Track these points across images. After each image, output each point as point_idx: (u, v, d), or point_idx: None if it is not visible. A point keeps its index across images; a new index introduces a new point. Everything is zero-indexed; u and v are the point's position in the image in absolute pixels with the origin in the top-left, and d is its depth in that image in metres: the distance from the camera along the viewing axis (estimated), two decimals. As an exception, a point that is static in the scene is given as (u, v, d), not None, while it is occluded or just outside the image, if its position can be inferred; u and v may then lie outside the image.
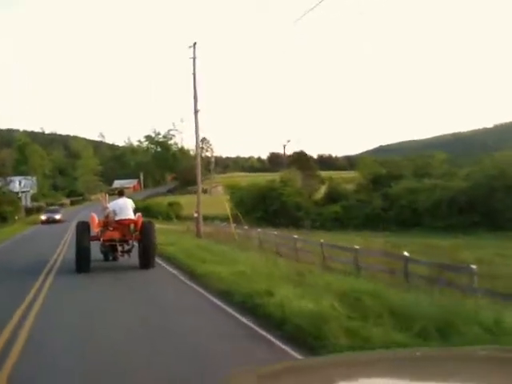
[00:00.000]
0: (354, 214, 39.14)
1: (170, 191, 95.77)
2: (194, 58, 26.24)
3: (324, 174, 65.80)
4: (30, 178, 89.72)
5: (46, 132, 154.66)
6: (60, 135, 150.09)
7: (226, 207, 36.77)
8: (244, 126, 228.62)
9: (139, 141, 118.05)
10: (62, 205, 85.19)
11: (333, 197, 45.75)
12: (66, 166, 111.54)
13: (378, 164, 50.68)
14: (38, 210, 71.67)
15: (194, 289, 10.80)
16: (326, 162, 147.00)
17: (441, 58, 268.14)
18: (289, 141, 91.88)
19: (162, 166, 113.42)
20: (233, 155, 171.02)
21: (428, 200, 36.52)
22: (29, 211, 66.12)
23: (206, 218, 52.91)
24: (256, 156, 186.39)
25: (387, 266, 13.59)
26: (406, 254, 12.76)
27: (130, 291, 11.09)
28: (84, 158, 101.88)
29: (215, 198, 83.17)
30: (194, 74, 26.40)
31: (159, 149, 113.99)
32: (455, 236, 30.72)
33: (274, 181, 46.24)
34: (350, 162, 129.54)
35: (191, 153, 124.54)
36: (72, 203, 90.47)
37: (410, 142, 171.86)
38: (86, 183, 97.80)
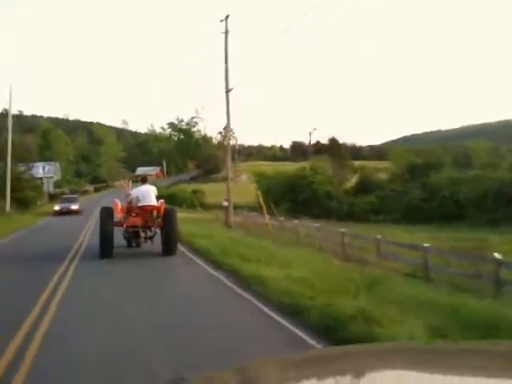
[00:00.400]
0: (391, 205, 36.46)
1: (193, 179, 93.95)
2: (227, 32, 23.85)
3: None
4: (53, 163, 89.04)
5: (70, 119, 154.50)
6: (84, 122, 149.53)
7: (255, 196, 34.59)
8: (266, 115, 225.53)
9: (162, 128, 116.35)
10: (85, 191, 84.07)
11: (365, 187, 43.15)
12: (89, 152, 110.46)
13: (411, 153, 47.86)
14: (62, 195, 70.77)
15: (248, 300, 8.31)
16: (350, 152, 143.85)
17: (463, 46, 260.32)
18: (315, 129, 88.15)
19: (185, 154, 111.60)
20: (255, 144, 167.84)
21: (472, 191, 33.73)
22: (52, 197, 64.93)
23: (234, 207, 50.98)
24: (278, 145, 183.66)
25: (466, 269, 11.17)
26: (496, 255, 10.29)
27: (169, 296, 8.99)
28: (107, 145, 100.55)
29: (241, 187, 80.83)
30: (226, 49, 24.05)
31: (182, 136, 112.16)
32: (503, 231, 28.12)
33: (303, 169, 43.72)
34: (374, 152, 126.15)
35: (213, 141, 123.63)
36: (96, 190, 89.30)
37: (434, 132, 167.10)
38: (109, 170, 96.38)
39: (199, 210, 39.14)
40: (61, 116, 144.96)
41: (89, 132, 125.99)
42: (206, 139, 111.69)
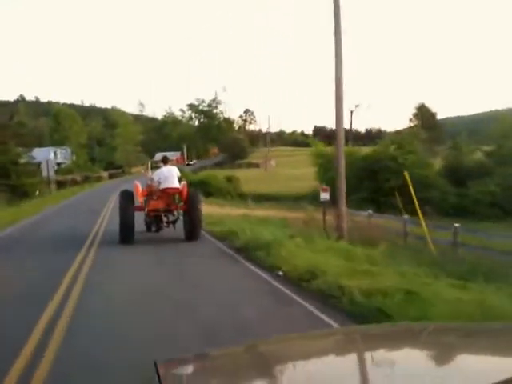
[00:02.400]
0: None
1: (218, 164, 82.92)
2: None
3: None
4: (64, 148, 78.56)
5: (86, 104, 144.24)
6: (99, 108, 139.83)
7: (289, 184, 23.34)
8: (286, 100, 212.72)
9: (181, 110, 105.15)
10: (99, 178, 73.39)
11: (454, 171, 31.66)
12: (104, 136, 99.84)
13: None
14: (74, 183, 60.16)
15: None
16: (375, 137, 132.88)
17: None
18: (357, 105, 74.99)
19: (206, 138, 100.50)
20: (275, 129, 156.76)
21: None
22: (61, 184, 54.30)
23: (295, 198, 39.75)
24: (299, 131, 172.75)
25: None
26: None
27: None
28: (123, 126, 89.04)
29: (271, 173, 69.98)
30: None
31: (203, 118, 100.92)
32: None
33: (385, 145, 32.03)
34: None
35: (234, 124, 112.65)
36: (110, 176, 78.55)
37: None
38: (125, 154, 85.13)
39: (250, 204, 27.93)
40: (77, 102, 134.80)
41: (104, 117, 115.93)
42: (229, 121, 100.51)
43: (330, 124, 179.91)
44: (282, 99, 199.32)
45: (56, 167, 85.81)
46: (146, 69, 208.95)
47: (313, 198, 38.76)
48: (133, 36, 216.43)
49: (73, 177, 62.63)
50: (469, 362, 1.44)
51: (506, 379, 1.08)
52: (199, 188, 37.80)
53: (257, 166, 79.19)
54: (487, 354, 1.51)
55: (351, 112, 74.00)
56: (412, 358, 1.49)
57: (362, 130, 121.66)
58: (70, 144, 76.70)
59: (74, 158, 77.91)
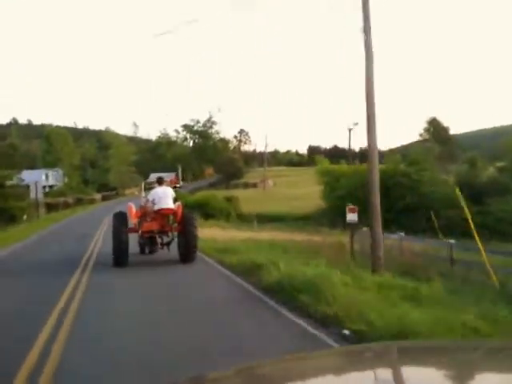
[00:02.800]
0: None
1: (213, 185, 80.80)
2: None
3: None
4: (56, 170, 76.15)
5: (79, 127, 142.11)
6: (93, 130, 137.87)
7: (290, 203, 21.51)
8: (279, 120, 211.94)
9: (176, 131, 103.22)
10: (91, 200, 70.96)
11: (470, 188, 29.60)
12: (97, 158, 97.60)
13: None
14: (66, 206, 57.63)
15: None
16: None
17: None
18: (356, 123, 72.65)
19: (201, 158, 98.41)
20: (270, 149, 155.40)
21: None
22: (52, 207, 51.76)
23: (298, 218, 37.28)
24: (293, 150, 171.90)
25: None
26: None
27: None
28: (116, 147, 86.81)
29: (270, 193, 67.86)
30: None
31: (198, 139, 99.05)
32: None
33: (396, 163, 29.97)
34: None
35: (229, 145, 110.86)
36: (104, 198, 76.16)
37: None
38: (119, 175, 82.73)
39: (255, 227, 25.77)
40: (70, 125, 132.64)
41: (98, 139, 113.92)
42: (224, 141, 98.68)
43: (325, 143, 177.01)
44: (276, 119, 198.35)
45: (48, 189, 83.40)
46: (140, 90, 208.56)
47: (318, 217, 36.79)
48: (126, 58, 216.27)
49: (65, 199, 60.15)
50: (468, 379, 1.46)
51: None
52: (198, 209, 35.83)
53: (254, 185, 77.15)
54: (487, 371, 1.53)
55: (349, 130, 72.04)
56: (410, 378, 1.49)
57: (357, 148, 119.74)
58: (62, 166, 74.37)
59: (67, 179, 75.53)
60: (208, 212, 35.38)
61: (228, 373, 1.74)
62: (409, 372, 1.54)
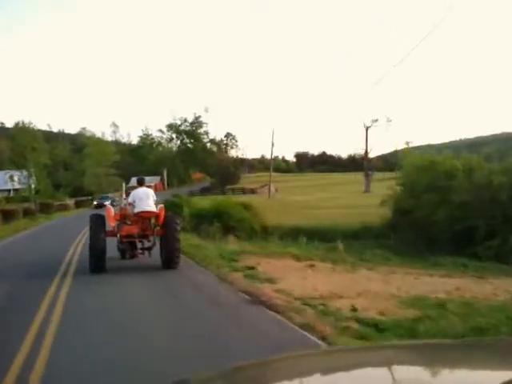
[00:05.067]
0: None
1: (206, 190, 68.80)
2: None
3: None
4: (23, 172, 62.87)
5: (54, 130, 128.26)
6: (68, 134, 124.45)
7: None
8: (266, 127, 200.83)
9: (161, 130, 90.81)
10: (62, 206, 58.15)
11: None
12: (72, 160, 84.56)
13: None
14: (27, 214, 44.82)
15: None
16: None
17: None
18: (375, 120, 60.74)
19: (188, 161, 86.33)
20: (256, 156, 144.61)
21: None
22: (7, 215, 38.99)
23: (357, 235, 25.36)
24: (280, 157, 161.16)
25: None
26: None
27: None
28: (93, 144, 73.73)
29: (277, 201, 56.38)
30: None
31: (186, 139, 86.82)
32: None
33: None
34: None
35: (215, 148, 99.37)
36: (77, 205, 63.31)
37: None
38: (96, 178, 69.62)
39: (341, 250, 13.97)
40: (43, 128, 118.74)
41: (73, 142, 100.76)
42: (216, 143, 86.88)
43: (313, 150, 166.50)
44: (263, 126, 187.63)
45: (12, 194, 69.34)
46: (119, 89, 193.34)
47: (396, 234, 25.28)
48: (102, 58, 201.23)
49: (27, 206, 47.40)
50: (463, 376, 1.44)
51: None
52: (214, 220, 24.16)
53: (252, 191, 65.46)
54: (483, 367, 1.50)
55: (366, 129, 60.75)
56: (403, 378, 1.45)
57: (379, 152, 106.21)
58: (29, 167, 61.11)
59: (34, 182, 62.19)
60: (229, 224, 23.77)
61: (216, 374, 1.71)
62: (402, 372, 1.52)
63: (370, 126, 59.75)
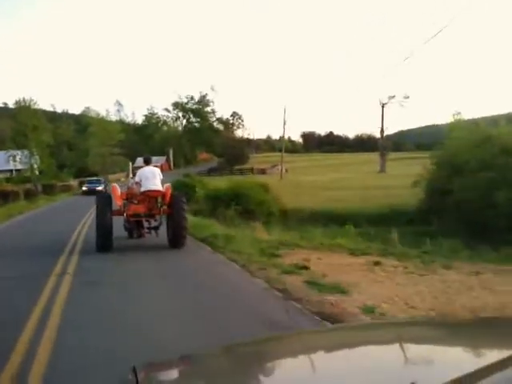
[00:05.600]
0: None
1: (213, 171, 66.26)
2: None
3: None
4: (26, 152, 60.19)
5: (58, 110, 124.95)
6: (72, 114, 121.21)
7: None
8: (271, 107, 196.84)
9: (166, 109, 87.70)
10: (65, 187, 55.73)
11: None
12: (76, 141, 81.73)
13: None
14: (28, 195, 42.33)
15: None
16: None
17: None
18: (392, 96, 57.51)
19: (195, 141, 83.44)
20: (261, 136, 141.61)
21: None
22: (6, 197, 36.62)
23: (384, 218, 22.67)
24: (286, 137, 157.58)
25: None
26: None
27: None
28: (97, 123, 70.77)
29: (294, 180, 53.70)
30: None
31: (193, 118, 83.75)
32: None
33: None
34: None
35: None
36: (81, 185, 60.87)
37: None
38: (101, 158, 66.87)
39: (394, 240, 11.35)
40: (48, 108, 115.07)
41: (77, 121, 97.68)
42: (223, 122, 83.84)
43: (320, 129, 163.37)
44: (268, 105, 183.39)
45: (15, 174, 67.08)
46: (123, 69, 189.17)
47: (403, 217, 23.09)
48: (106, 37, 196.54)
49: (28, 187, 44.97)
50: (450, 353, 1.43)
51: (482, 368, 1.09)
52: (231, 203, 21.70)
53: (262, 172, 62.87)
54: (468, 345, 1.50)
55: (382, 106, 57.62)
56: (403, 352, 1.47)
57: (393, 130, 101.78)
58: (31, 146, 58.44)
59: (36, 162, 59.60)
60: (249, 208, 21.31)
61: (217, 350, 1.67)
62: (411, 348, 1.50)
63: (386, 103, 56.53)
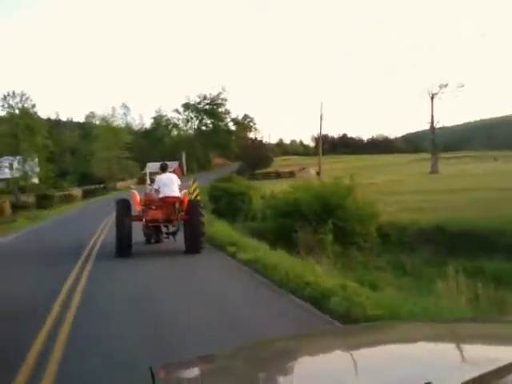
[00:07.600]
0: None
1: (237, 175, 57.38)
2: None
3: None
4: (21, 158, 51.67)
5: (62, 119, 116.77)
6: (77, 122, 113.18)
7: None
8: (283, 110, 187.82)
9: (177, 110, 79.09)
10: (66, 197, 46.94)
11: None
12: (79, 146, 73.33)
13: None
14: (25, 208, 33.91)
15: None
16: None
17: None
18: (445, 85, 48.32)
19: (210, 144, 74.82)
20: (275, 140, 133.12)
21: None
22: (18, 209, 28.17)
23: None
24: (298, 141, 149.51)
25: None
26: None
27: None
28: (102, 127, 61.92)
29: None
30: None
31: (206, 119, 75.07)
32: None
33: None
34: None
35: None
36: (85, 195, 52.03)
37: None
38: (106, 163, 57.92)
39: None
40: (52, 116, 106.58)
41: (82, 128, 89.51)
42: (240, 123, 75.22)
43: (332, 132, 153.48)
44: (279, 109, 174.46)
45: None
46: (129, 74, 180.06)
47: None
48: (111, 43, 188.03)
49: (24, 199, 36.47)
50: (464, 353, 1.39)
51: (500, 368, 1.06)
52: (321, 222, 12.90)
53: (291, 175, 54.20)
54: (479, 344, 1.48)
55: (432, 96, 48.52)
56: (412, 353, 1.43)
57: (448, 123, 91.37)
58: (23, 149, 49.55)
59: (32, 169, 50.69)
60: (345, 228, 12.61)
61: (234, 351, 1.68)
62: (407, 349, 1.49)
63: (436, 93, 47.59)
